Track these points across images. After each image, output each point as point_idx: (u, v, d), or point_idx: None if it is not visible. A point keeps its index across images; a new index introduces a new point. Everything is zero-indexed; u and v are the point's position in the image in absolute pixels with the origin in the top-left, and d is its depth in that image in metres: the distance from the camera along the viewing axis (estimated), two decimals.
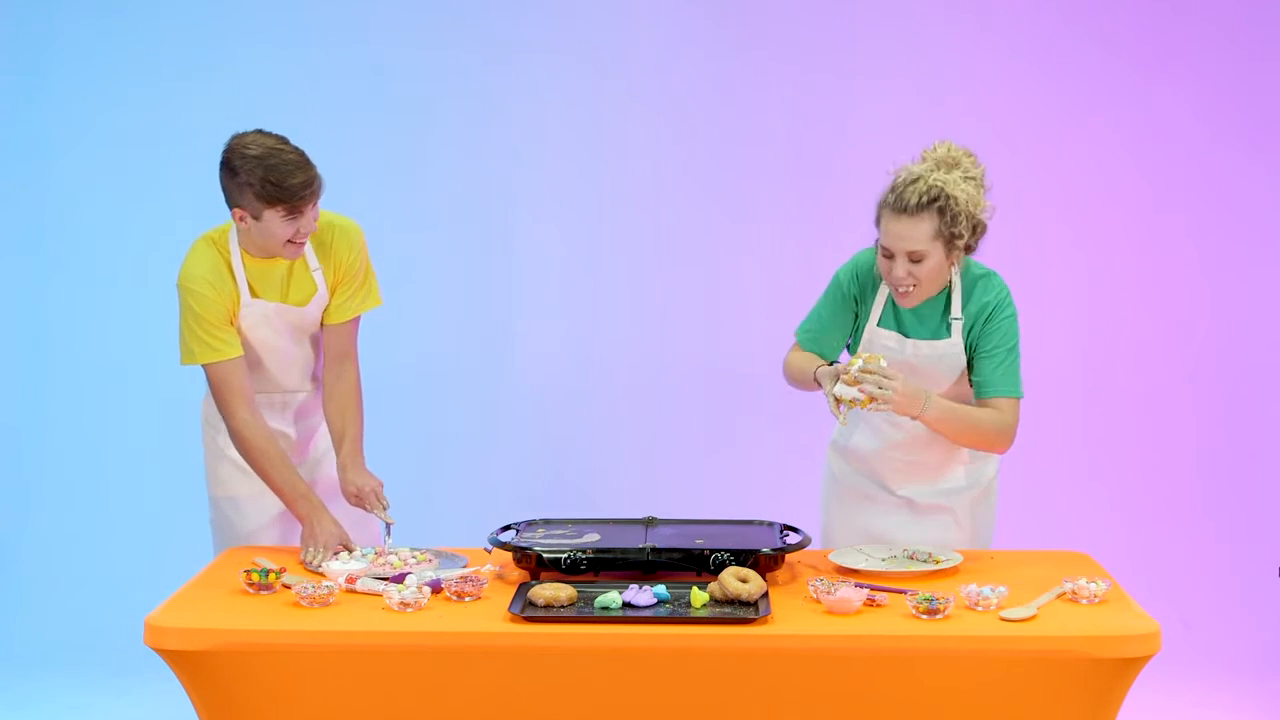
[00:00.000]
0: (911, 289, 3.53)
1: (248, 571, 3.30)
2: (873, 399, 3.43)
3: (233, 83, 5.86)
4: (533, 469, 5.85)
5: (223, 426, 3.78)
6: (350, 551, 3.56)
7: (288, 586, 3.29)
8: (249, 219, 3.58)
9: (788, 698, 3.03)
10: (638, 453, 5.94)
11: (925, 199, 3.45)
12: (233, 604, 3.21)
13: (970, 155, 3.54)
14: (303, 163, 3.55)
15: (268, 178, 3.51)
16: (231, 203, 3.59)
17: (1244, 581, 5.72)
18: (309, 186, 3.54)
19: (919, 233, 3.46)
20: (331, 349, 3.84)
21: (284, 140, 3.59)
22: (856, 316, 3.69)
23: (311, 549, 3.57)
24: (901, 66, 5.83)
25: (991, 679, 3.01)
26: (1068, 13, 5.85)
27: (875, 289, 3.66)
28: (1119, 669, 3.01)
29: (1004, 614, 3.09)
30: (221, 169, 3.58)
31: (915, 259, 3.49)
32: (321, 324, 3.84)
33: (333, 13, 5.89)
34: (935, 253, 3.49)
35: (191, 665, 3.06)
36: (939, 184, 3.45)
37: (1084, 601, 3.21)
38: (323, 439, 3.96)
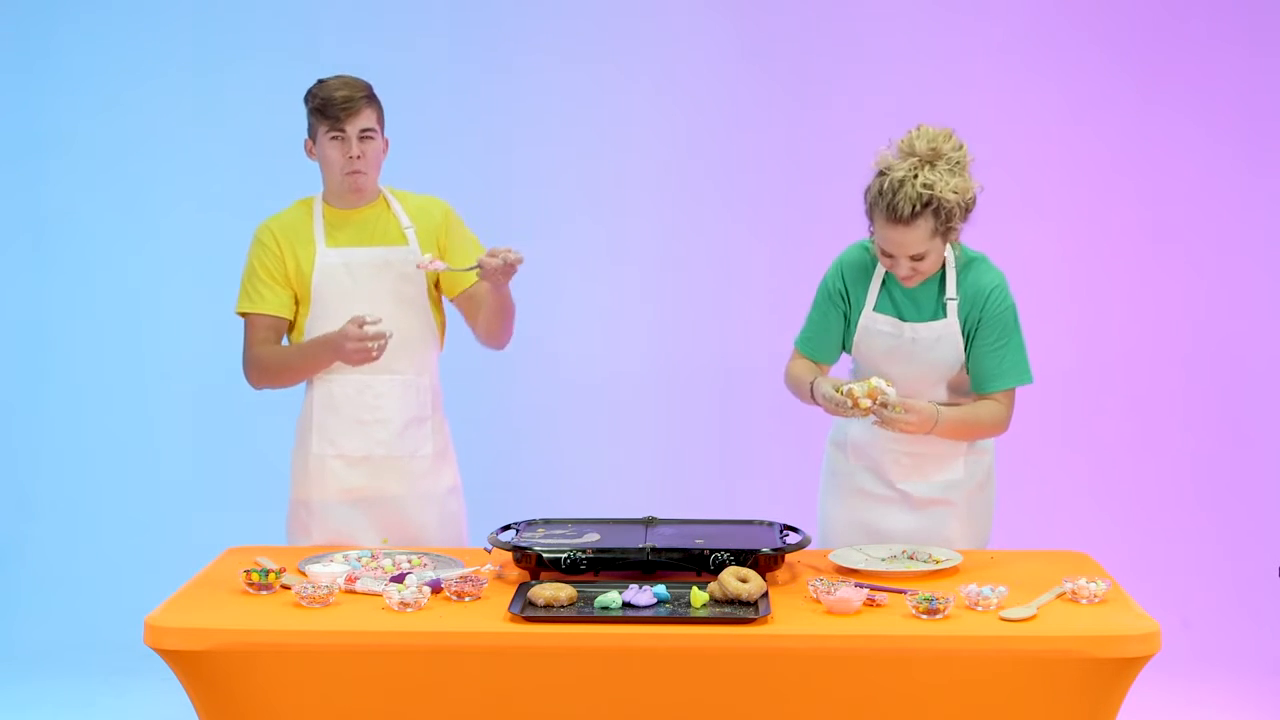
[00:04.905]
0: (916, 276, 3.63)
1: (248, 571, 3.29)
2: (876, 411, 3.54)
3: (232, 83, 5.86)
4: (532, 469, 5.84)
5: (313, 427, 3.83)
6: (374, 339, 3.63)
7: (287, 587, 3.29)
8: (315, 150, 3.78)
9: (788, 698, 3.03)
10: (638, 452, 5.94)
11: (918, 205, 3.47)
12: (233, 604, 3.21)
13: (949, 137, 3.51)
14: (350, 83, 3.76)
15: (315, 92, 3.76)
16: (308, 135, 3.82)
17: (1244, 581, 5.72)
18: (349, 102, 3.71)
19: (916, 237, 3.51)
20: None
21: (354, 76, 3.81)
22: (846, 315, 3.74)
23: (353, 333, 3.61)
24: (904, 67, 5.83)
25: (991, 679, 3.01)
26: (1067, 13, 5.85)
27: (868, 279, 3.71)
28: (1119, 669, 3.01)
29: (1004, 614, 3.09)
30: None
31: (917, 258, 3.56)
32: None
33: (334, 12, 5.89)
34: (935, 248, 3.57)
35: (191, 665, 3.06)
36: (928, 188, 3.46)
37: (1084, 601, 3.21)
38: (424, 461, 3.89)
